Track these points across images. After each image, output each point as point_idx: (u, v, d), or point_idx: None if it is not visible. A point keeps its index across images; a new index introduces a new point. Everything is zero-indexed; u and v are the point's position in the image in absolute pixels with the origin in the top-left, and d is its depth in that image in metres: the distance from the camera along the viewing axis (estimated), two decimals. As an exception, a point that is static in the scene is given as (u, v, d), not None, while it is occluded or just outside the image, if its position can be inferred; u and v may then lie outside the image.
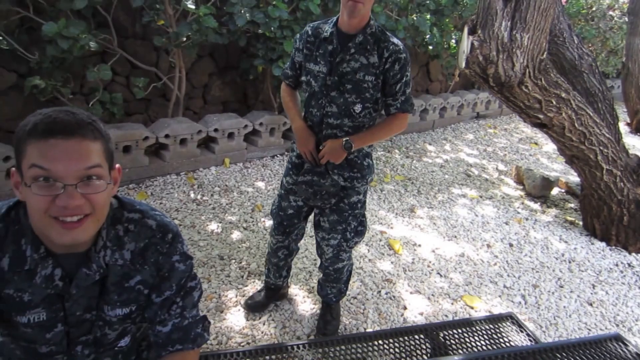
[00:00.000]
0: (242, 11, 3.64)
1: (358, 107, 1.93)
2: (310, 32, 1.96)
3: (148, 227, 1.07)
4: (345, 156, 1.96)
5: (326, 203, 2.05)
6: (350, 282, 2.72)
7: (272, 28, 3.76)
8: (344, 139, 1.91)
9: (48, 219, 0.89)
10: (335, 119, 1.95)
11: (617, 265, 3.25)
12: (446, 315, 2.57)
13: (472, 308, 2.64)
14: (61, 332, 1.06)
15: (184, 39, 3.58)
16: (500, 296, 2.79)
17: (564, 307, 2.76)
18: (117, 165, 1.02)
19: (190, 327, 1.15)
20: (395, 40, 1.90)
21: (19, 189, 0.93)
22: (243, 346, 2.21)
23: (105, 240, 1.02)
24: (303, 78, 2.01)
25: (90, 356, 1.14)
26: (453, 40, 5.33)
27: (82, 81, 3.64)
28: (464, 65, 2.76)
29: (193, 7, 3.46)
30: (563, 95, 2.99)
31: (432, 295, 2.72)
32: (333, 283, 2.26)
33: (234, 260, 2.81)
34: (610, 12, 8.14)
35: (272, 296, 2.45)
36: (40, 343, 1.05)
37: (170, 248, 1.09)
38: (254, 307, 2.41)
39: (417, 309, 2.58)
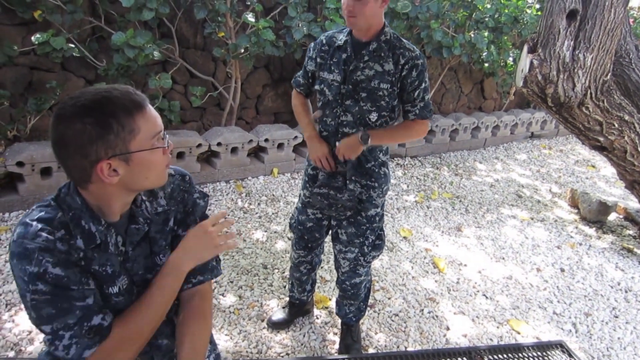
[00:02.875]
0: (300, 25, 3.73)
1: (374, 116, 1.89)
2: (324, 41, 1.93)
3: (169, 174, 1.22)
4: (361, 150, 1.89)
5: (341, 214, 1.99)
6: (393, 298, 2.70)
7: (327, 42, 3.82)
8: (361, 132, 1.86)
9: (164, 169, 1.09)
10: (351, 128, 1.91)
11: (679, 299, 3.06)
12: (491, 339, 2.50)
13: (518, 333, 2.56)
14: (136, 295, 1.16)
15: (242, 50, 3.70)
16: (549, 322, 2.69)
17: (619, 338, 2.62)
18: None
19: (207, 261, 1.27)
20: (410, 46, 1.84)
21: (108, 172, 0.99)
22: (282, 356, 2.23)
23: (141, 195, 1.15)
24: (317, 87, 1.97)
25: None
26: (510, 58, 5.23)
27: (143, 88, 3.83)
28: (521, 84, 2.70)
29: (253, 20, 3.58)
30: (626, 117, 2.86)
31: (477, 317, 2.65)
32: (350, 300, 2.19)
33: (277, 270, 2.85)
34: (681, 32, 7.73)
35: (296, 312, 2.41)
36: None
37: (190, 187, 1.26)
38: (277, 325, 2.37)
39: (460, 331, 2.53)
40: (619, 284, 3.16)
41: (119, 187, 1.03)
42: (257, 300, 2.56)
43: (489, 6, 4.74)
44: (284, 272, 2.82)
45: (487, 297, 2.84)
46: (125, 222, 1.12)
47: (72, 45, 3.19)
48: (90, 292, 1.02)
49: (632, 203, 4.32)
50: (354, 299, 2.18)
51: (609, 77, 2.73)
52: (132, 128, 0.99)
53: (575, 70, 2.58)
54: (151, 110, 1.04)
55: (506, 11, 4.82)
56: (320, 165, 1.98)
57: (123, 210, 1.11)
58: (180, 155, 3.69)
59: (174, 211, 1.22)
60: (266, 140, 4.05)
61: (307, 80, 2.04)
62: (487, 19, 4.75)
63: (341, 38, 1.88)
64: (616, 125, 2.83)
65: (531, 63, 2.60)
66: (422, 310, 2.64)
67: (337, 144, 1.93)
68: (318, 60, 1.94)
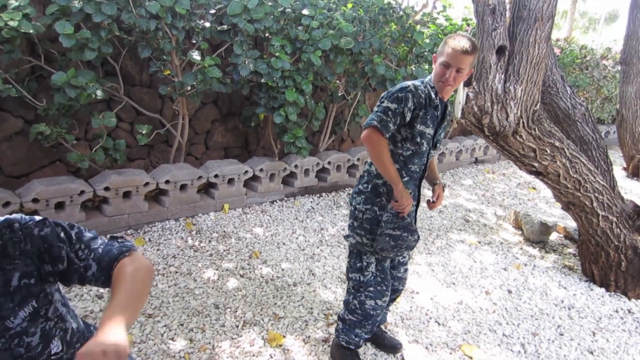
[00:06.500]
0: (246, 62, 3.77)
1: None
2: (421, 94, 2.03)
3: None
4: None
5: (399, 255, 2.32)
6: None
7: (275, 78, 3.89)
8: (442, 184, 2.39)
9: None
10: (427, 171, 2.33)
11: (617, 311, 3.23)
12: (445, 366, 2.53)
13: (470, 358, 2.61)
14: None
15: (189, 88, 3.69)
16: (499, 345, 2.76)
17: (565, 355, 2.72)
18: None
19: (109, 249, 1.18)
20: None
21: None
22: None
23: None
24: (417, 139, 2.08)
25: None
26: (450, 89, 5.49)
27: (86, 127, 3.73)
28: (459, 115, 2.83)
29: (199, 58, 3.59)
30: (557, 144, 3.05)
31: (430, 344, 2.68)
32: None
33: (229, 309, 2.79)
34: (604, 62, 8.38)
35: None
36: None
37: (25, 231, 1.09)
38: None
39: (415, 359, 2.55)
40: (562, 301, 3.29)
41: None
42: (209, 343, 2.49)
43: (427, 41, 5.01)
44: (236, 312, 2.77)
45: (439, 324, 2.89)
46: None
47: (9, 86, 3.09)
48: None
49: (570, 222, 4.56)
50: None
51: (538, 106, 2.92)
52: None
53: (508, 101, 2.74)
54: None
55: (444, 45, 5.08)
56: (404, 212, 2.14)
57: None
58: (127, 195, 3.59)
59: (17, 268, 1.07)
60: (216, 176, 4.02)
61: (395, 127, 2.01)
62: (426, 53, 4.99)
63: (433, 97, 2.09)
64: (548, 151, 3.01)
65: (467, 96, 2.75)
66: (377, 340, 2.65)
67: (433, 198, 2.36)
68: (416, 112, 2.05)
